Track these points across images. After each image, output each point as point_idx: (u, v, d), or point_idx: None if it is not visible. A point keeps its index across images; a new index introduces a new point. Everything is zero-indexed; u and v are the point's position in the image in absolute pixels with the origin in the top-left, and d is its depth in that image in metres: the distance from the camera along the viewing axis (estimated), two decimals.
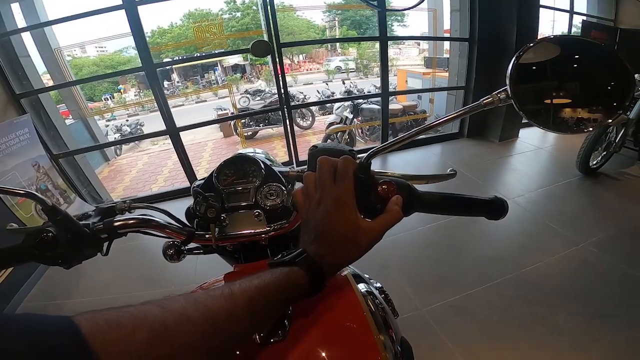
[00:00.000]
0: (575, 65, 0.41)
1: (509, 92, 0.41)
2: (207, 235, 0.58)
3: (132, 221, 0.54)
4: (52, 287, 2.26)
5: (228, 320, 0.34)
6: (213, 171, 0.64)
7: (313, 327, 0.48)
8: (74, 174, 3.24)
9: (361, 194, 0.45)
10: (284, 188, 0.61)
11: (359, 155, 0.48)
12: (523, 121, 4.13)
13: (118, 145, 7.70)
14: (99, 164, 6.82)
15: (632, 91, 0.39)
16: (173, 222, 0.61)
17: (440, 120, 0.45)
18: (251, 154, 0.72)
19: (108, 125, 10.01)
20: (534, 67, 0.42)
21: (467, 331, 1.65)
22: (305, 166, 0.59)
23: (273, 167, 0.66)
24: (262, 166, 0.64)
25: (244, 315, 0.36)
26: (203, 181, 0.66)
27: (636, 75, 2.80)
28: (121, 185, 6.09)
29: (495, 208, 0.47)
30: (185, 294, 0.35)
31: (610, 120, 0.39)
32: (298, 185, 0.59)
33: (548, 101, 0.41)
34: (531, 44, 0.42)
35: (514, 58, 0.42)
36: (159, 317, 0.30)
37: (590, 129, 0.40)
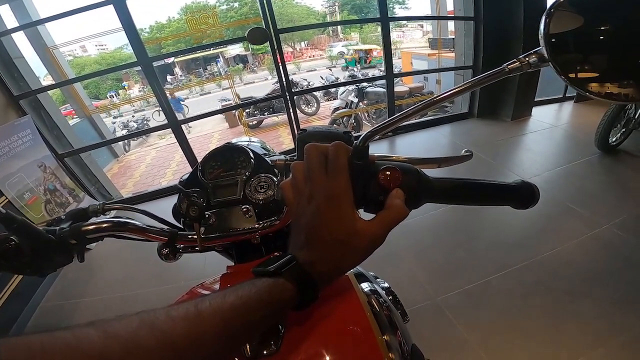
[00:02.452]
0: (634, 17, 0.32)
1: (546, 54, 0.32)
2: (190, 236, 0.52)
3: (105, 225, 0.48)
4: (68, 287, 2.27)
5: (194, 347, 0.28)
6: (198, 164, 0.58)
7: (310, 335, 0.42)
8: (82, 173, 3.24)
9: (359, 184, 0.37)
10: (275, 179, 0.54)
11: (356, 135, 0.40)
12: (536, 98, 3.98)
13: (126, 141, 7.76)
14: (109, 160, 6.89)
15: None
16: (155, 223, 0.55)
17: (453, 91, 0.36)
18: (242, 143, 0.65)
19: (115, 123, 10.10)
20: (575, 22, 0.33)
21: (485, 321, 1.59)
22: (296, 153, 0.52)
23: (265, 157, 0.59)
24: (252, 156, 0.57)
25: (215, 340, 0.30)
26: (188, 175, 0.60)
27: None
28: (131, 181, 6.14)
29: (523, 195, 0.38)
30: (141, 313, 0.29)
31: None
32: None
33: (599, 63, 0.32)
34: None
35: (545, 14, 0.33)
36: (98, 345, 0.25)
37: None
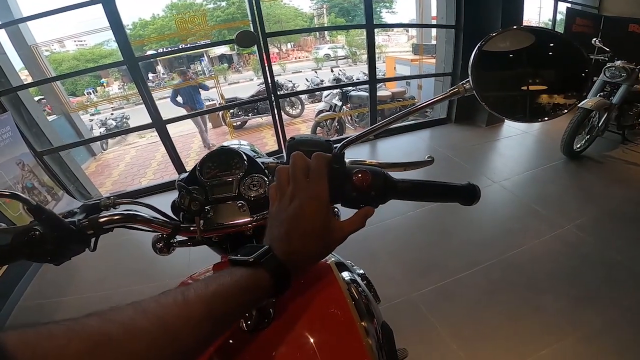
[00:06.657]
0: (536, 55, 0.42)
1: (471, 82, 0.42)
2: (192, 228, 0.59)
3: (117, 216, 0.54)
4: (47, 285, 2.24)
5: (184, 328, 0.32)
6: (196, 164, 0.65)
7: (297, 316, 0.49)
8: (60, 171, 3.19)
9: (337, 183, 0.46)
10: (266, 179, 0.62)
11: (335, 145, 0.49)
12: None
13: (104, 140, 7.57)
14: (86, 159, 6.68)
15: (590, 77, 0.41)
16: (158, 216, 0.61)
17: (409, 110, 0.46)
18: (234, 146, 0.73)
19: (92, 120, 9.77)
20: (495, 57, 0.43)
21: (456, 315, 1.70)
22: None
23: (256, 159, 0.66)
24: (245, 158, 0.64)
25: (202, 322, 0.34)
26: (187, 175, 0.67)
27: (618, 62, 2.87)
28: (109, 180, 5.99)
29: (468, 193, 0.47)
30: (134, 303, 0.32)
31: (571, 106, 0.40)
32: None
33: (511, 91, 0.42)
34: (494, 34, 0.43)
35: (476, 48, 0.43)
36: (98, 327, 0.28)
37: (546, 118, 0.41)
